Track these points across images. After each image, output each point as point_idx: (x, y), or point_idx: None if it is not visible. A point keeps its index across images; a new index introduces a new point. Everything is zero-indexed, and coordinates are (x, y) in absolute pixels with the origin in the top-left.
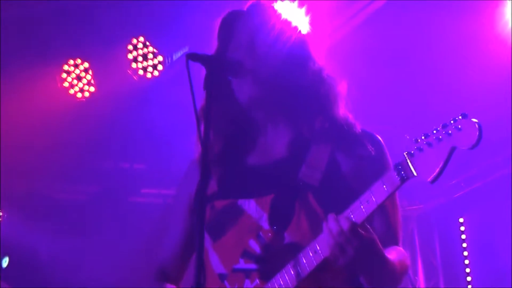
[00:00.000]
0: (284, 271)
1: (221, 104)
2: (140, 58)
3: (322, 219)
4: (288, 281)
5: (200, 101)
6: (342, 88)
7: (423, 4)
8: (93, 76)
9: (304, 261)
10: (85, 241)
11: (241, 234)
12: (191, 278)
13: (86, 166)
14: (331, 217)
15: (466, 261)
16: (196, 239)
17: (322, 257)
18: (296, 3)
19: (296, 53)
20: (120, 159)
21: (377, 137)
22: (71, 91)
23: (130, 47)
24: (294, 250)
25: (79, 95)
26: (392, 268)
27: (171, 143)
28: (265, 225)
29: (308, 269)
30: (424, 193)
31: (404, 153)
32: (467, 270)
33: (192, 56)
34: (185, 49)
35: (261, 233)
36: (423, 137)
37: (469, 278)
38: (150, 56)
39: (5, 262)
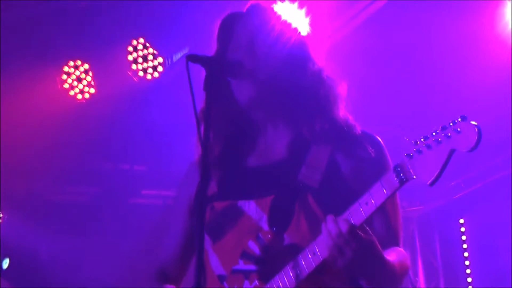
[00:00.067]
0: (283, 272)
1: (221, 105)
2: (140, 60)
3: (321, 221)
4: (287, 282)
5: (200, 102)
6: (342, 89)
7: (423, 5)
8: (93, 78)
9: (303, 262)
10: (85, 242)
11: (240, 235)
12: (191, 279)
13: (87, 168)
14: (330, 219)
15: (467, 262)
16: (196, 240)
17: (321, 258)
18: (296, 4)
19: (295, 54)
20: (121, 160)
21: (377, 139)
22: (71, 93)
23: (130, 48)
24: (294, 252)
25: (79, 96)
26: (392, 269)
27: (171, 145)
28: (265, 226)
29: (307, 270)
30: (424, 194)
31: (403, 155)
32: (468, 271)
33: (192, 58)
34: (185, 51)
35: (260, 234)
36: (422, 139)
37: (469, 279)
38: (150, 57)
39: (6, 263)
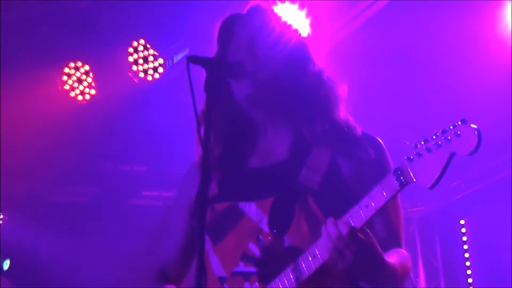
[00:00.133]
0: (283, 274)
1: (221, 106)
2: (140, 61)
3: (322, 222)
4: (288, 284)
5: (201, 103)
6: (342, 90)
7: (423, 6)
8: (93, 79)
9: (303, 265)
10: (85, 242)
11: (241, 237)
12: (191, 280)
13: (87, 168)
14: (330, 221)
15: (467, 263)
16: (197, 242)
17: (321, 261)
18: (296, 5)
19: (296, 55)
20: (121, 161)
21: (378, 140)
22: (72, 94)
23: (130, 49)
24: (294, 254)
25: (79, 97)
26: (392, 271)
27: (172, 146)
28: (265, 228)
29: (307, 273)
30: (425, 195)
31: (404, 158)
32: (468, 271)
33: (192, 59)
34: (186, 52)
35: (260, 236)
36: (422, 143)
37: (470, 280)
38: (151, 58)
39: (6, 264)
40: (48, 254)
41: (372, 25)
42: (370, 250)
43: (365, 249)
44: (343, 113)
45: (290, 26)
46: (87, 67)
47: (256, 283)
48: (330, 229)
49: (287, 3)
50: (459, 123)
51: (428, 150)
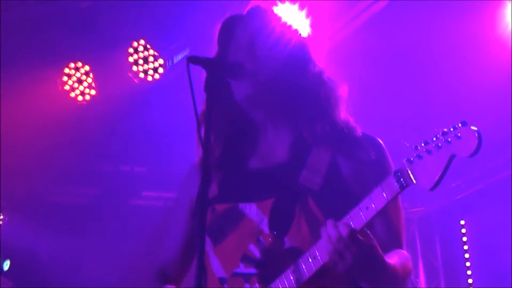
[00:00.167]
0: (283, 276)
1: (221, 107)
2: (141, 61)
3: (322, 224)
4: (288, 286)
5: (201, 104)
6: (342, 91)
7: (423, 6)
8: (94, 79)
9: (304, 266)
10: (85, 243)
11: (241, 238)
12: (192, 280)
13: (87, 169)
14: (330, 223)
15: (468, 263)
16: (197, 243)
17: (321, 263)
18: (296, 5)
19: (296, 55)
20: (121, 162)
21: (378, 141)
22: (72, 94)
23: (131, 50)
24: (294, 255)
25: (80, 98)
26: (393, 272)
27: (172, 146)
28: (266, 229)
29: (307, 274)
30: (425, 195)
31: (404, 160)
32: (469, 272)
33: (192, 59)
34: (186, 52)
35: (261, 237)
36: (422, 144)
37: (470, 280)
38: (151, 59)
39: (6, 265)
40: (48, 254)
41: (372, 26)
42: (370, 251)
43: (365, 250)
44: (344, 113)
45: (290, 26)
46: (87, 68)
47: (257, 284)
48: (330, 230)
49: (287, 3)
50: (460, 125)
51: (428, 152)
